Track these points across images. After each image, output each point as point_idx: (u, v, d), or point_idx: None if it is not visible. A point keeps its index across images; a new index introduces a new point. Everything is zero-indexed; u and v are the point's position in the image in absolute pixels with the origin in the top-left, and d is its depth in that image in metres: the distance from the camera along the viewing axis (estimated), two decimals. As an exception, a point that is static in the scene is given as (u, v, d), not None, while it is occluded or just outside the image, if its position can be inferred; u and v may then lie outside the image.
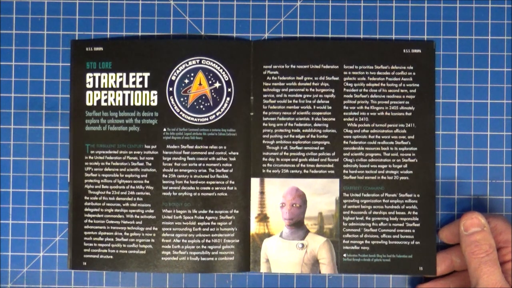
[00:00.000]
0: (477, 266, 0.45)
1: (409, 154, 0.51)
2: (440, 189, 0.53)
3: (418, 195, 0.51)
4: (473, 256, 0.46)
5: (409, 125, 0.51)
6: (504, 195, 0.53)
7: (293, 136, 0.52)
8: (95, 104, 0.52)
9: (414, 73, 0.51)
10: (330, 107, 0.52)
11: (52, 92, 0.53)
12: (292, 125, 0.52)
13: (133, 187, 0.52)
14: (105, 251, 0.52)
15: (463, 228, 0.47)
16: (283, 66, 0.52)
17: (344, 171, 0.52)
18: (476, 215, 0.47)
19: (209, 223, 0.52)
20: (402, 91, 0.51)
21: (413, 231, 0.51)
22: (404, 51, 0.52)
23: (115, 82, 0.52)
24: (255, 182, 0.52)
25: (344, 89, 0.52)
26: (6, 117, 0.53)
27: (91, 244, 0.52)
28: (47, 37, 0.53)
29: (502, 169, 0.53)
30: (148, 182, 0.52)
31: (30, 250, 0.53)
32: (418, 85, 0.51)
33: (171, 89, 0.52)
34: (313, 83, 0.52)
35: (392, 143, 0.51)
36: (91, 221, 0.52)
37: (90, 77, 0.52)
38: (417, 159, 0.51)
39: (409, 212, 0.51)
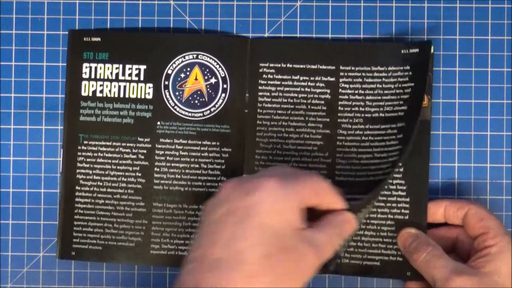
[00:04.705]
0: (425, 266, 0.46)
1: (395, 153, 0.50)
2: (440, 189, 0.53)
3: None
4: (418, 261, 0.47)
5: (400, 125, 0.50)
6: (504, 195, 0.53)
7: (287, 135, 0.52)
8: (90, 94, 0.52)
9: (410, 73, 0.51)
10: (325, 107, 0.52)
11: (52, 92, 0.53)
12: (286, 124, 0.52)
13: (125, 179, 0.52)
14: (94, 241, 0.52)
15: (401, 247, 0.49)
16: (279, 65, 0.52)
17: (336, 172, 0.51)
18: (407, 230, 0.49)
19: (199, 218, 0.51)
20: (397, 91, 0.51)
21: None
22: (402, 51, 0.51)
23: (111, 73, 0.52)
24: None
25: (340, 90, 0.52)
26: (6, 117, 0.53)
27: (80, 234, 0.52)
28: (47, 37, 0.53)
29: (502, 169, 0.53)
30: (139, 175, 0.52)
31: (30, 250, 0.53)
32: (413, 84, 0.51)
33: (166, 82, 0.52)
34: (309, 83, 0.52)
35: (383, 143, 0.51)
36: (82, 211, 0.52)
37: (86, 67, 0.52)
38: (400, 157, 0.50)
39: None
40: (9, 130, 0.53)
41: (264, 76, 0.52)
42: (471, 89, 0.53)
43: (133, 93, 0.52)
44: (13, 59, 0.53)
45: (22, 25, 0.54)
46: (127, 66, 0.52)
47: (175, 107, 0.52)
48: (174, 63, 0.52)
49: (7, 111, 0.53)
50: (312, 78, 0.52)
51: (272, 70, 0.52)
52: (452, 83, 0.53)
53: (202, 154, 0.52)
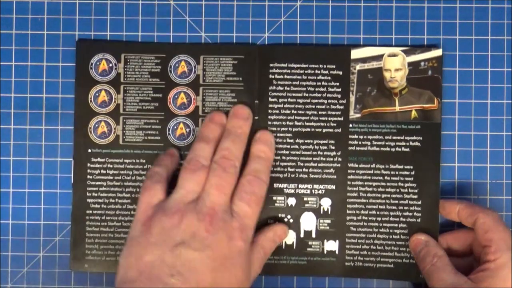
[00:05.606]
0: (428, 276, 0.47)
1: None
2: (440, 189, 0.53)
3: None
4: (424, 270, 0.48)
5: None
6: (504, 195, 0.53)
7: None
8: None
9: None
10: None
11: (52, 92, 0.53)
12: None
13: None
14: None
15: (412, 253, 0.50)
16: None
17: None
18: (417, 236, 0.49)
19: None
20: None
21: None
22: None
23: None
24: None
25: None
26: (6, 117, 0.53)
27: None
28: (47, 37, 0.53)
29: (502, 169, 0.53)
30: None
31: (30, 250, 0.53)
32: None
33: None
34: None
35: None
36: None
37: None
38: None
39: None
40: (9, 130, 0.53)
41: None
42: (471, 89, 0.53)
43: None
44: (13, 59, 0.53)
45: (22, 25, 0.54)
46: None
47: None
48: None
49: (7, 111, 0.53)
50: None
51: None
52: (452, 83, 0.53)
53: None
